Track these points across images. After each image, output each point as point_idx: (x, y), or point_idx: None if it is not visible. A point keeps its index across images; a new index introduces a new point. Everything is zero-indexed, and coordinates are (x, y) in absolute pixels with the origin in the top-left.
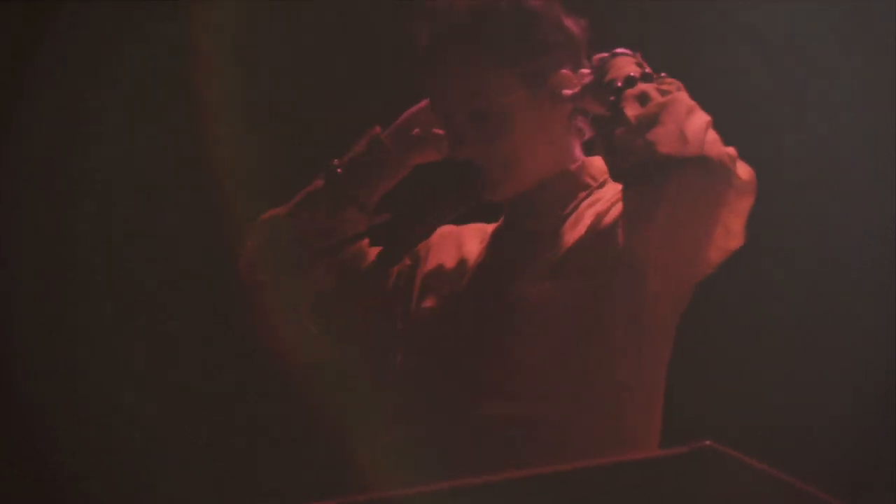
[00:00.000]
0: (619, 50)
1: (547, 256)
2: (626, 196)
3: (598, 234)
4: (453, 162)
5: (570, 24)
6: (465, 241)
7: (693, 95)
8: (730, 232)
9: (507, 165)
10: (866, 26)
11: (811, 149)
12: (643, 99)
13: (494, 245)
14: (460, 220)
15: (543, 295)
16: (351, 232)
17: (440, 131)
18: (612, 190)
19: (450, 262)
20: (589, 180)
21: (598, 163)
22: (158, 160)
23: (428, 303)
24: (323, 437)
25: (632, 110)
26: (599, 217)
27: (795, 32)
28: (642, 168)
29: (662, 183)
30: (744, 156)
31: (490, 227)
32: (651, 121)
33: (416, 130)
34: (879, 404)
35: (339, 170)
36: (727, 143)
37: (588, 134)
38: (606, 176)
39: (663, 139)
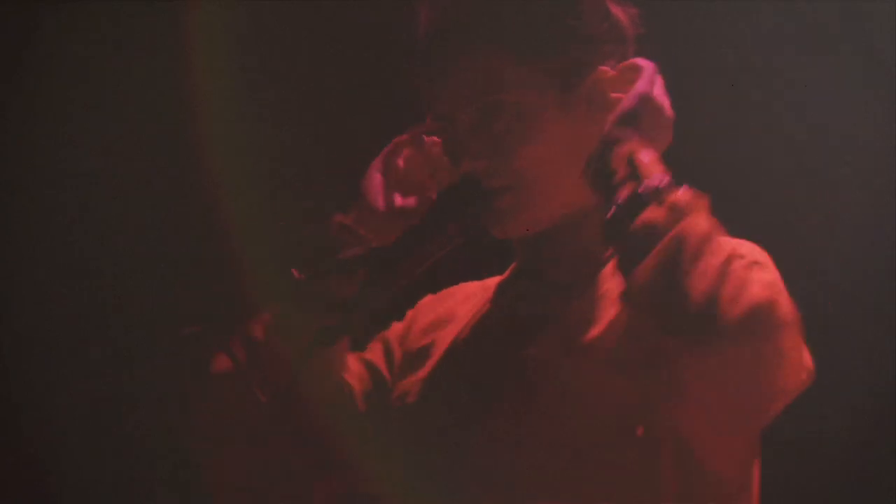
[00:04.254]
0: (616, 133)
1: (577, 320)
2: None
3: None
4: (450, 185)
5: (617, 11)
6: (453, 310)
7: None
8: (793, 369)
9: (523, 187)
10: (866, 28)
11: (809, 153)
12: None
13: (501, 301)
14: (444, 283)
15: (569, 373)
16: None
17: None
18: None
19: (436, 336)
20: None
21: None
22: (156, 161)
23: (414, 388)
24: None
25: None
26: None
27: (795, 33)
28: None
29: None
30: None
31: (492, 282)
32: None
33: (381, 203)
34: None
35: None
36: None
37: None
38: None
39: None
